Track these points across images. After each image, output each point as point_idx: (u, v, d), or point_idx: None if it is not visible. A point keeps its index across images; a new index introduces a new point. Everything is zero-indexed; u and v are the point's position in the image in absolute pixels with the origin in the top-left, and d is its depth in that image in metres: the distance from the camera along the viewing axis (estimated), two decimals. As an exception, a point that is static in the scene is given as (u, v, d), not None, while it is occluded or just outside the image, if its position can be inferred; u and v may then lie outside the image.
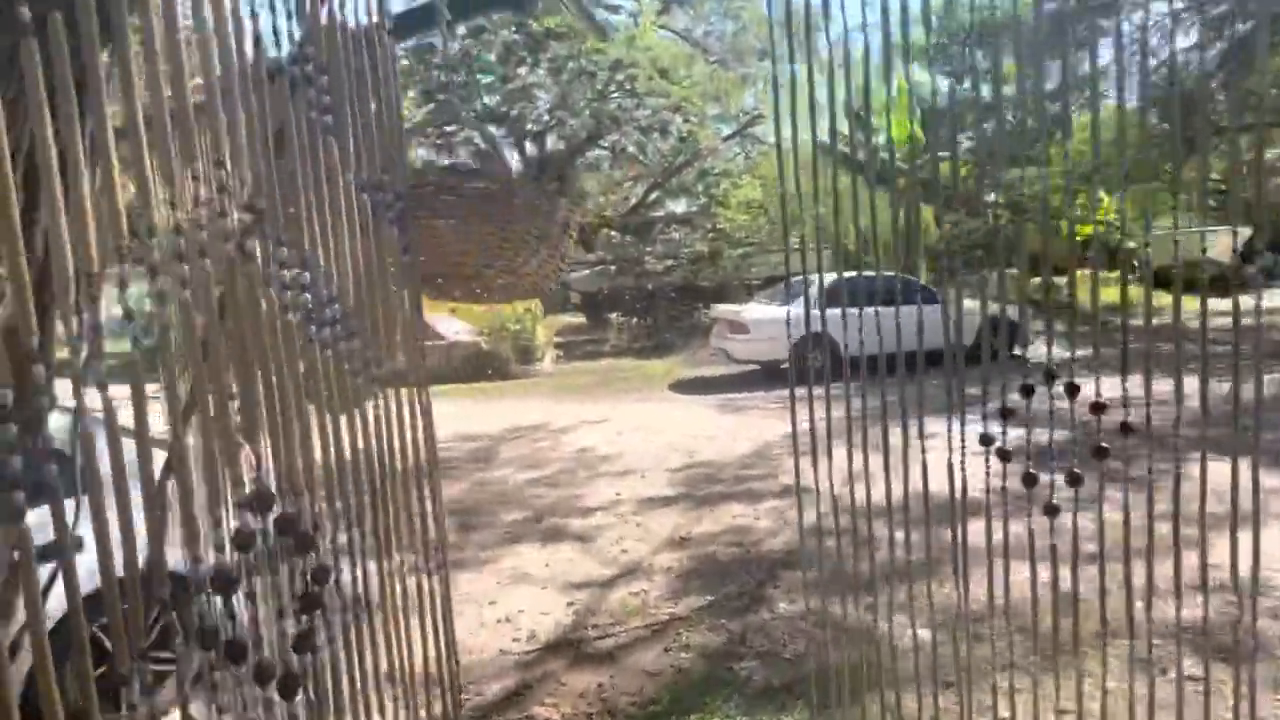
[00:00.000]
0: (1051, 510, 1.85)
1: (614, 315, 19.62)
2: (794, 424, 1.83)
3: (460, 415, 10.84)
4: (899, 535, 2.16)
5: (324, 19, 1.29)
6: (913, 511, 2.11)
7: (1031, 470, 1.86)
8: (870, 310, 1.72)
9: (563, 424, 9.72)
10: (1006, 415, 1.78)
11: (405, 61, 22.19)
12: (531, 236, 1.19)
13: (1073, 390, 1.77)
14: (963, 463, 2.00)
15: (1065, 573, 2.01)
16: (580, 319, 25.55)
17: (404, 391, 1.75)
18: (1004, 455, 1.80)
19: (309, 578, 1.29)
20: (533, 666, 3.69)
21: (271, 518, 1.26)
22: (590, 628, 4.05)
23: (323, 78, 1.30)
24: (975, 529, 2.10)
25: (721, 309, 13.82)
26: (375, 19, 1.34)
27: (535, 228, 1.20)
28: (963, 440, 1.91)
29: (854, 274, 1.70)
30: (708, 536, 5.29)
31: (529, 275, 1.28)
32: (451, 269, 1.21)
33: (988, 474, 1.97)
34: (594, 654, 3.76)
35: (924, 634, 2.67)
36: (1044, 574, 2.06)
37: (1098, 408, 1.78)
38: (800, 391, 1.77)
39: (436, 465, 2.17)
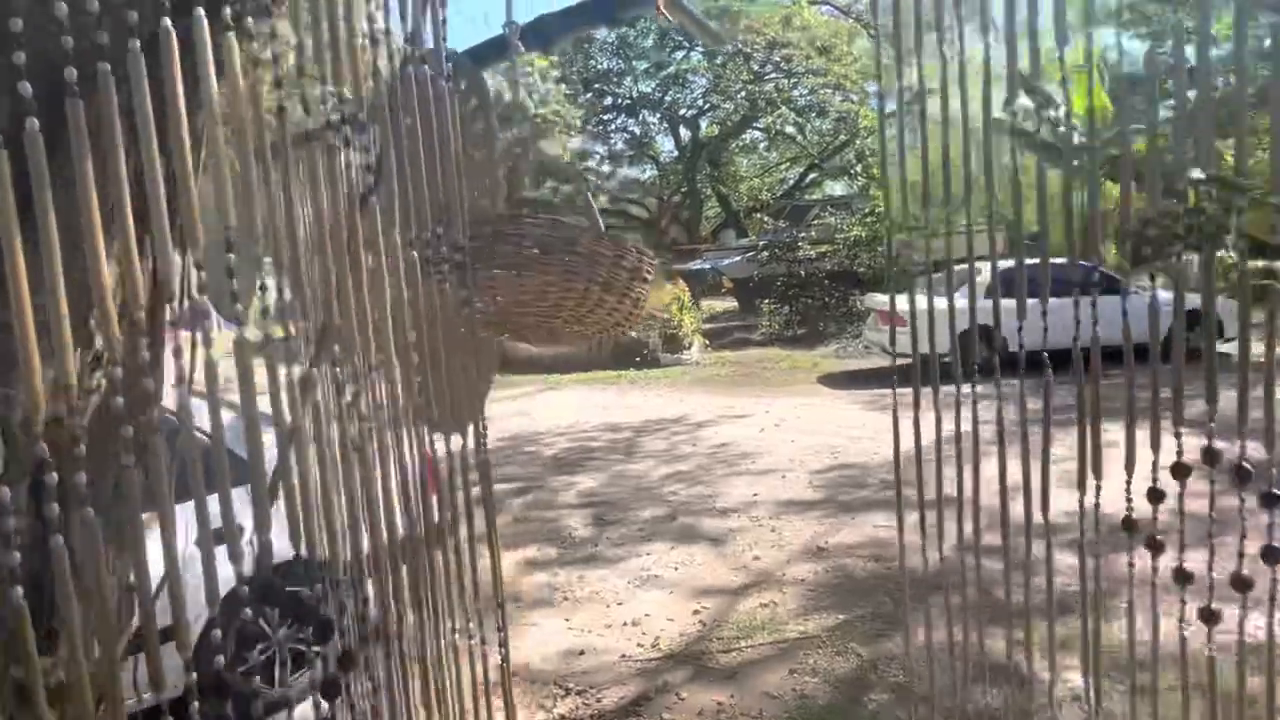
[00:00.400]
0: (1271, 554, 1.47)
1: (765, 303, 19.25)
2: (936, 428, 1.62)
3: (605, 405, 11.00)
4: (1066, 561, 1.88)
5: (377, 66, 1.25)
6: (1081, 534, 1.82)
7: (1275, 491, 1.48)
8: (1045, 301, 1.49)
9: (704, 417, 9.63)
10: (1240, 423, 1.40)
11: (557, 57, 22.71)
12: (595, 285, 1.10)
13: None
14: (1155, 479, 1.68)
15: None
16: (733, 304, 25.31)
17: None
18: (1242, 474, 1.39)
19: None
20: (653, 676, 3.64)
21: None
22: (715, 639, 3.95)
23: (363, 136, 1.26)
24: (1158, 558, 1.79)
25: (876, 298, 13.20)
26: (432, 66, 1.28)
27: (598, 276, 1.11)
28: (1155, 451, 1.58)
29: (1028, 261, 1.49)
30: (846, 548, 5.04)
31: (595, 324, 1.20)
32: (514, 319, 1.14)
33: (1181, 495, 1.66)
34: (716, 669, 3.66)
35: (1083, 682, 2.36)
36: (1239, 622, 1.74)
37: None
38: (952, 389, 1.55)
39: (494, 524, 2.11)
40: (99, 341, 1.35)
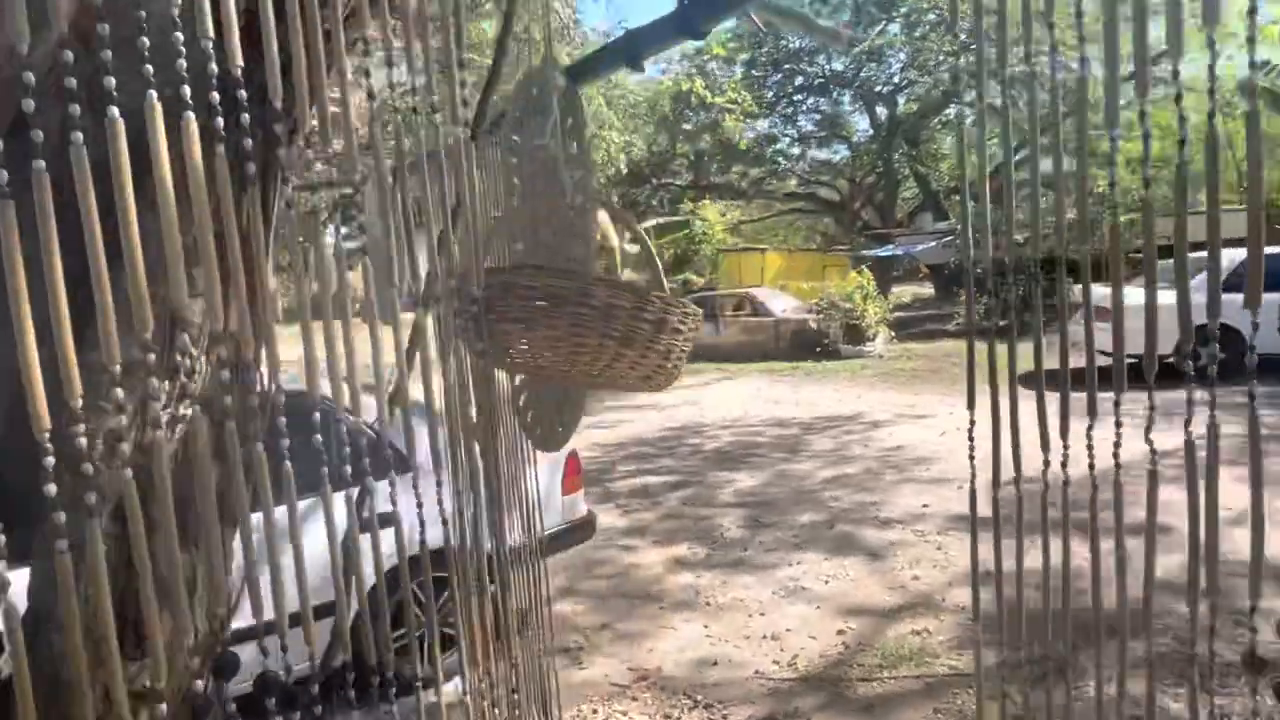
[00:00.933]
0: None
1: (963, 290, 18.01)
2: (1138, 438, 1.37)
3: (777, 398, 10.76)
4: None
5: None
6: None
7: None
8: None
9: (880, 415, 9.15)
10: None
11: (744, 40, 22.26)
12: (610, 340, 1.00)
13: None
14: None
15: None
16: (929, 290, 23.89)
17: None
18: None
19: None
20: (784, 698, 3.48)
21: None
22: (857, 665, 3.72)
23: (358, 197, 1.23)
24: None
25: (1091, 289, 11.88)
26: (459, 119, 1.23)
27: (614, 330, 1.00)
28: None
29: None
30: (1022, 575, 4.57)
31: (617, 379, 1.10)
32: (531, 370, 1.07)
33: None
34: (852, 699, 3.45)
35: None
36: None
37: None
38: (1176, 397, 1.27)
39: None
40: (184, 371, 1.44)
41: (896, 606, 4.31)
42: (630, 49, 1.69)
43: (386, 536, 3.74)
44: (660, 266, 1.21)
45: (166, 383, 1.40)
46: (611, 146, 14.68)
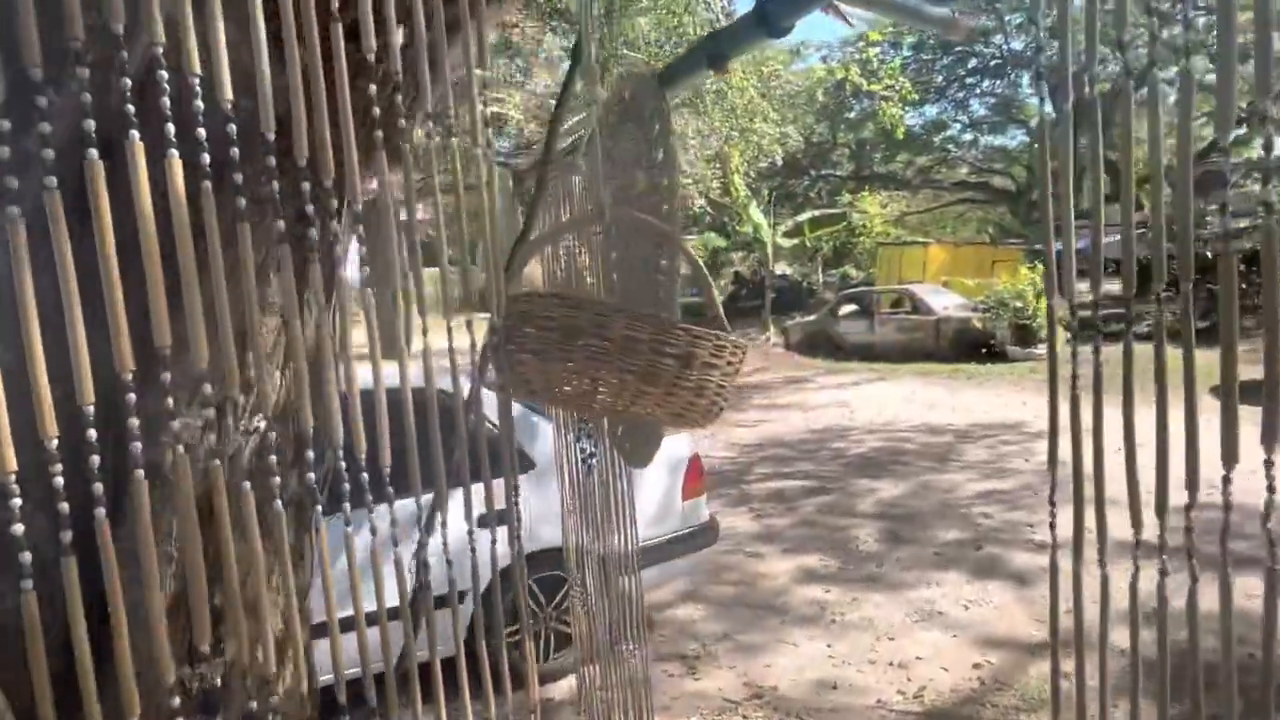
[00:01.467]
0: None
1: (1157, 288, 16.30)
2: None
3: (932, 402, 10.18)
4: None
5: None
6: None
7: None
8: None
9: (1045, 425, 8.42)
10: None
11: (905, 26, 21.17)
12: (630, 375, 0.91)
13: None
14: None
15: None
16: (1115, 288, 21.82)
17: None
18: None
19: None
20: (906, 734, 3.26)
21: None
22: (990, 705, 3.43)
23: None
24: None
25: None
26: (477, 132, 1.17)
27: (633, 366, 0.91)
28: None
29: None
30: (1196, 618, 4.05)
31: (648, 415, 1.00)
32: (553, 401, 1.00)
33: None
34: (982, 743, 3.17)
35: None
36: None
37: None
38: None
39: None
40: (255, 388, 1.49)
41: (1043, 642, 3.92)
42: (712, 50, 1.59)
43: (504, 534, 3.78)
44: (715, 291, 1.11)
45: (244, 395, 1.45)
46: (766, 138, 14.38)
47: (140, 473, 0.86)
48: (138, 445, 0.86)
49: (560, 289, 0.92)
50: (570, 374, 0.95)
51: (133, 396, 0.92)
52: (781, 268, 25.77)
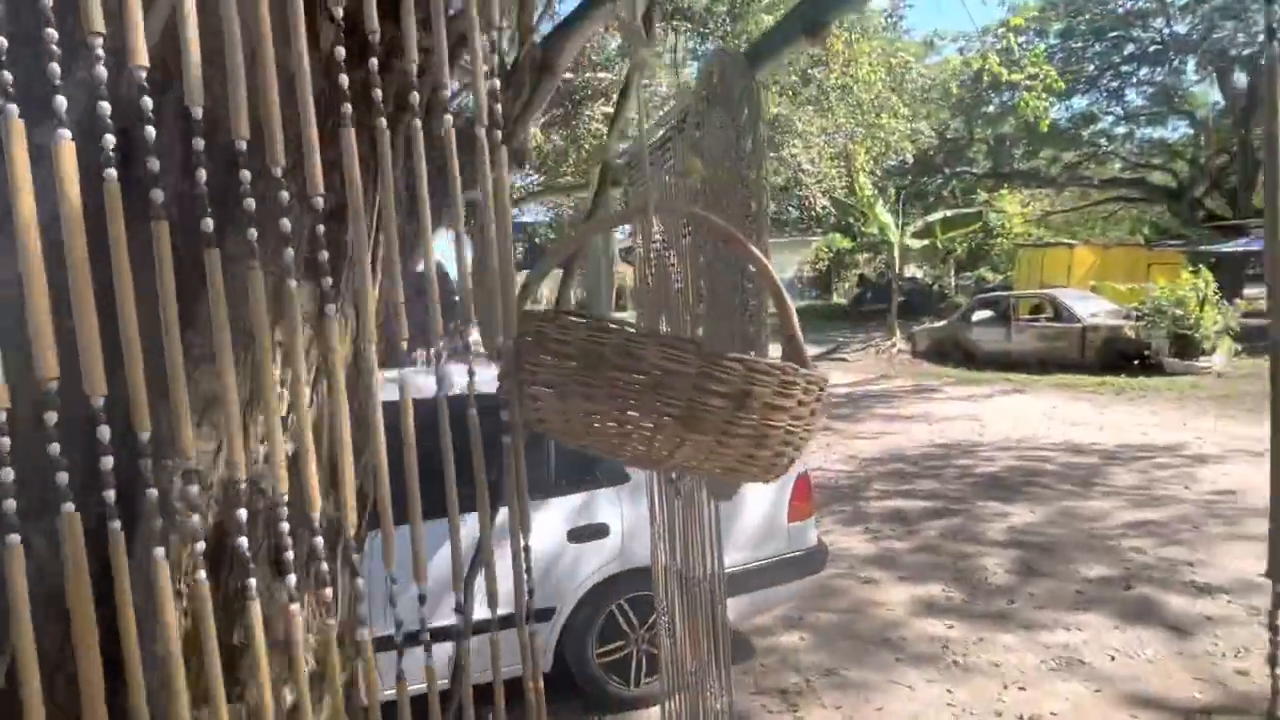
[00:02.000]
0: None
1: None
2: None
3: (1075, 418, 9.34)
4: None
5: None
6: None
7: None
8: None
9: (1209, 449, 7.53)
10: None
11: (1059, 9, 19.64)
12: (668, 419, 0.69)
13: None
14: None
15: None
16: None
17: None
18: None
19: None
20: (1037, 804, 2.86)
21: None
22: (1141, 778, 2.97)
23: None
24: None
25: None
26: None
27: (672, 407, 0.69)
28: None
29: None
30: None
31: (689, 467, 0.77)
32: (582, 442, 0.79)
33: None
34: (1130, 825, 2.74)
35: None
36: None
37: None
38: None
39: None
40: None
41: (1206, 705, 3.40)
42: (809, 15, 1.34)
43: (600, 549, 3.60)
44: (792, 309, 0.87)
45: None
46: (895, 135, 13.70)
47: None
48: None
49: (572, 309, 0.72)
50: (593, 414, 0.75)
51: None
52: (910, 270, 24.66)
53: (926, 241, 18.11)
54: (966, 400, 11.09)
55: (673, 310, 2.24)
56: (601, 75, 12.55)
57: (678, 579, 2.66)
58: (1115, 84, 22.37)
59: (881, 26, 12.78)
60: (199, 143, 0.70)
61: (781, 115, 12.92)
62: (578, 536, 3.48)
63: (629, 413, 0.73)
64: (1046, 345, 13.50)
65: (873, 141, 13.33)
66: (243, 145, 0.73)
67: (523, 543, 0.99)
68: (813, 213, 21.52)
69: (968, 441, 8.47)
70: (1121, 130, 23.96)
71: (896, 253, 17.90)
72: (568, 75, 11.83)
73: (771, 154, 13.55)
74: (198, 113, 0.69)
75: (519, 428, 0.86)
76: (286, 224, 0.75)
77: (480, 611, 3.46)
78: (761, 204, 1.54)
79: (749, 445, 0.75)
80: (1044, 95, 9.08)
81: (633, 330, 0.73)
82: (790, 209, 31.24)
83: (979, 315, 15.03)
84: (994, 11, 18.44)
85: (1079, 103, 22.57)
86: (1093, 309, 13.55)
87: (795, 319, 0.86)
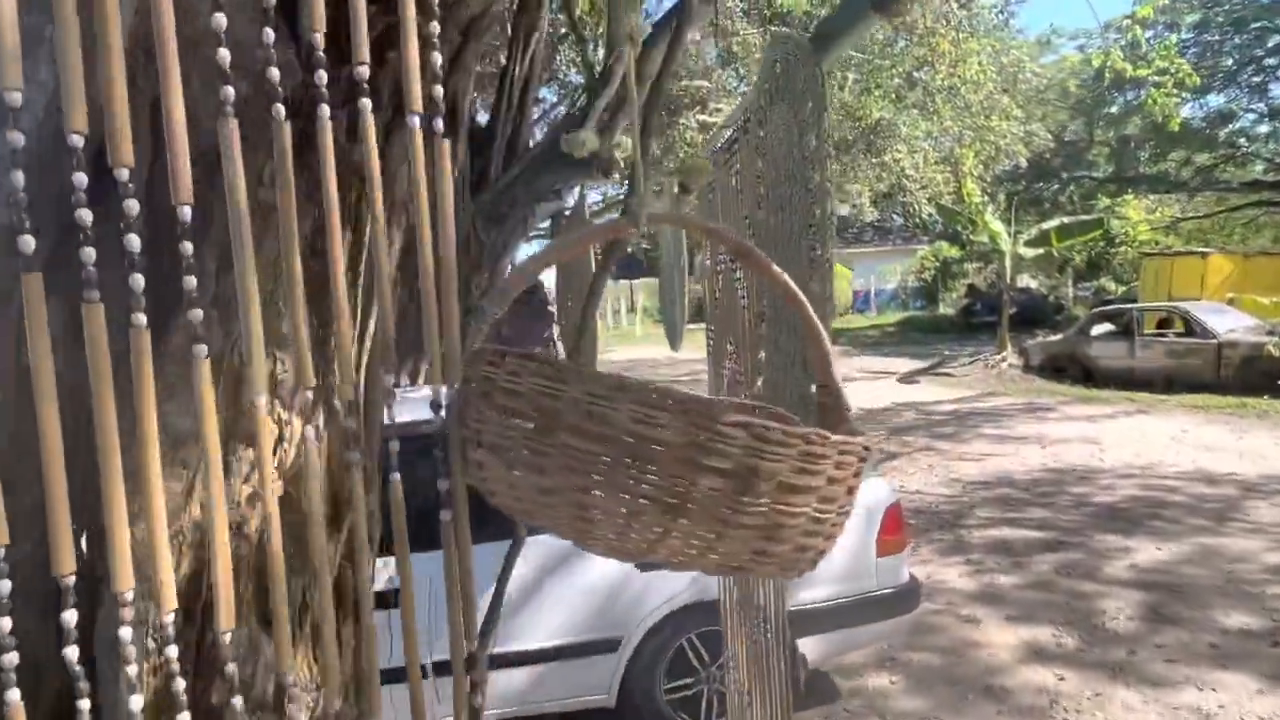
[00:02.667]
0: None
1: None
2: None
3: (1209, 444, 8.51)
4: None
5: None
6: None
7: None
8: None
9: (1374, 484, 6.67)
10: None
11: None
12: (644, 500, 0.49)
13: None
14: None
15: None
16: None
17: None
18: None
19: None
20: None
21: None
22: None
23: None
24: None
25: None
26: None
27: (645, 487, 0.48)
28: None
29: None
30: None
31: (676, 562, 0.57)
32: (539, 519, 0.60)
33: None
34: None
35: None
36: None
37: None
38: None
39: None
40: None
41: (1378, 795, 2.91)
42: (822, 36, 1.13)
43: (670, 578, 3.39)
44: (828, 346, 0.66)
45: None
46: (1006, 138, 12.93)
47: None
48: None
49: (523, 351, 0.53)
50: (545, 492, 0.56)
51: None
52: (1024, 280, 23.37)
53: (1041, 250, 17.06)
54: (1084, 421, 10.30)
55: (739, 329, 2.03)
56: (700, 83, 12.37)
57: (741, 613, 2.44)
58: (1258, 79, 20.56)
59: (993, 25, 12.08)
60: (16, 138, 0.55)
61: (885, 119, 12.42)
62: (646, 563, 3.30)
63: (592, 492, 0.54)
64: (1175, 362, 12.43)
65: (981, 145, 12.62)
66: (77, 140, 0.58)
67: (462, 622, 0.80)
68: (917, 220, 20.68)
69: (1084, 466, 7.82)
70: (1264, 129, 22.02)
71: (1008, 262, 16.94)
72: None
73: (874, 159, 13.03)
74: (15, 99, 0.55)
75: (461, 497, 0.69)
76: (134, 241, 0.60)
77: (537, 640, 3.29)
78: (825, 210, 1.32)
79: (758, 538, 0.55)
80: (1175, 91, 8.30)
81: (603, 380, 0.54)
82: (894, 216, 30.22)
83: (1099, 329, 14.01)
84: (1117, 6, 17.18)
85: (1215, 100, 20.88)
86: (1230, 324, 12.40)
87: (831, 358, 0.65)
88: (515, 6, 5.70)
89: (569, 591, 3.20)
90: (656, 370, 17.55)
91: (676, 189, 3.40)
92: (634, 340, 25.70)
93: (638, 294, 29.15)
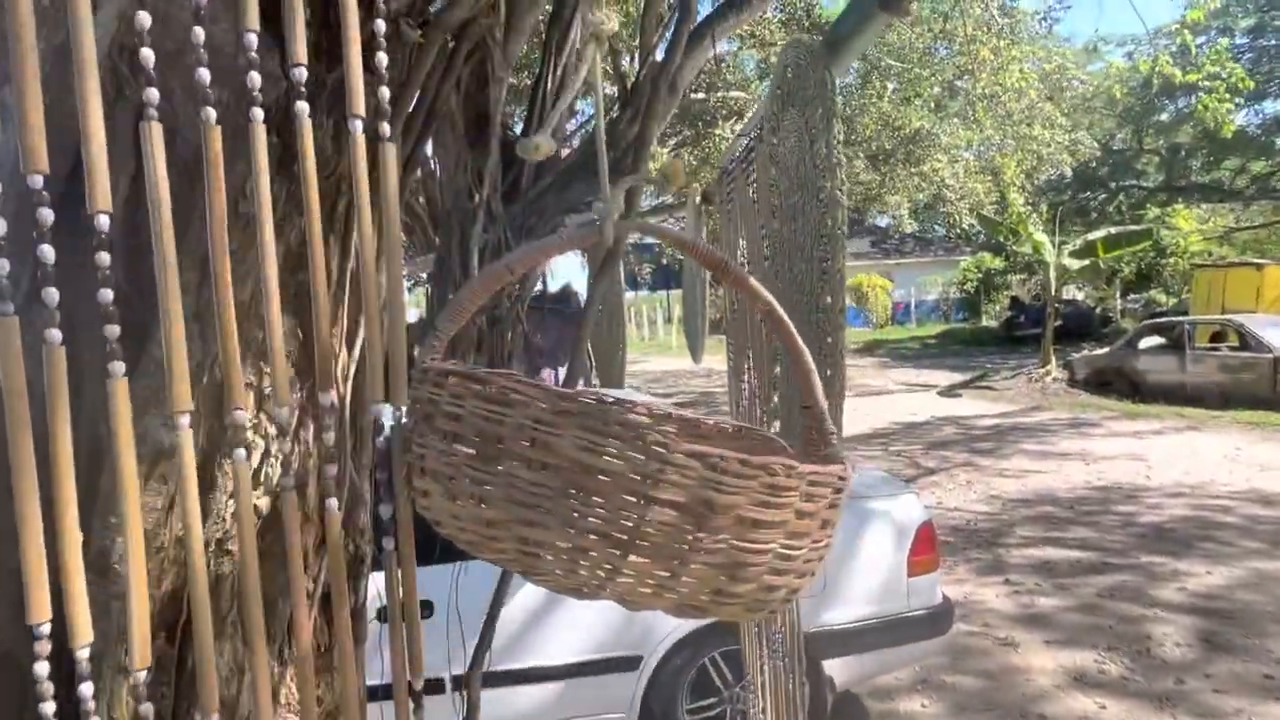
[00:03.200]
0: None
1: None
2: None
3: (1264, 462, 8.18)
4: None
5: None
6: None
7: None
8: None
9: None
10: None
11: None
12: (592, 535, 0.43)
13: None
14: None
15: None
16: None
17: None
18: None
19: None
20: None
21: None
22: None
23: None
24: None
25: None
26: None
27: (596, 519, 0.43)
28: None
29: None
30: None
31: (640, 602, 0.51)
32: (490, 555, 0.55)
33: None
34: None
35: None
36: None
37: None
38: None
39: None
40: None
41: None
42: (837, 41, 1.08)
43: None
44: (811, 367, 0.60)
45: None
46: (1050, 146, 12.66)
47: None
48: None
49: (475, 368, 0.49)
50: (488, 524, 0.51)
51: None
52: (1069, 292, 22.83)
53: (1087, 261, 16.63)
54: (1131, 437, 9.98)
55: (756, 343, 1.97)
56: (735, 94, 12.31)
57: (761, 635, 2.37)
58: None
59: (1036, 33, 11.85)
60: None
61: (924, 129, 12.24)
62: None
63: (534, 528, 0.50)
64: (1229, 377, 11.99)
65: (1024, 154, 12.37)
66: (37, 180, 0.55)
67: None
68: (959, 230, 20.32)
69: (1131, 485, 7.56)
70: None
71: (1052, 273, 16.54)
72: (699, 95, 11.65)
73: (913, 169, 12.84)
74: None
75: (406, 524, 0.65)
76: (47, 252, 0.57)
77: (554, 657, 3.23)
78: (836, 220, 1.26)
79: (719, 577, 0.49)
80: (1228, 96, 8.02)
81: (552, 398, 0.49)
82: (935, 227, 29.75)
83: (1148, 342, 13.59)
84: (1165, 13, 16.78)
85: (1272, 106, 20.26)
86: (1287, 337, 11.93)
87: (817, 382, 0.60)
88: (548, 19, 5.74)
89: (587, 608, 3.15)
90: (689, 381, 17.46)
91: (699, 199, 3.35)
92: (669, 351, 25.66)
93: (674, 305, 29.12)
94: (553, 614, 3.10)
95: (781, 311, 0.62)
